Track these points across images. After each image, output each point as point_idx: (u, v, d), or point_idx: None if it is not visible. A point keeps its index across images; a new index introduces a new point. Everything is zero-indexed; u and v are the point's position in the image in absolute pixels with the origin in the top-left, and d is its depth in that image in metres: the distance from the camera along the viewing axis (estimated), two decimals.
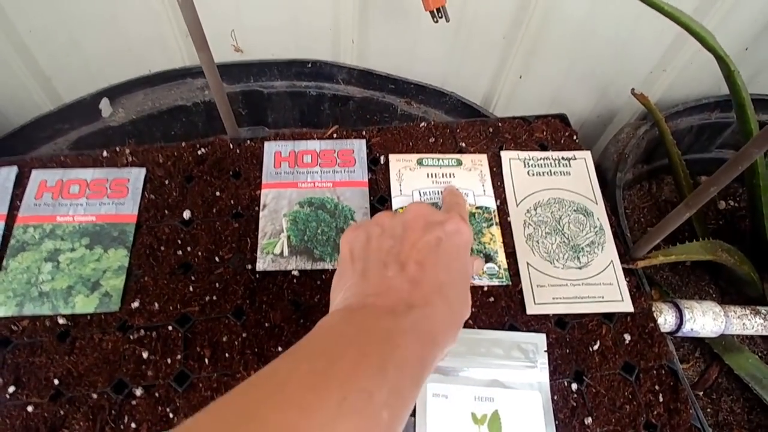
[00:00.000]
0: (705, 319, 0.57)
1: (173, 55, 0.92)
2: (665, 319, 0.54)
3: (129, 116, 0.89)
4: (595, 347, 0.49)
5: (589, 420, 0.45)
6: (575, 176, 0.58)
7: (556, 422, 0.44)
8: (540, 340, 0.48)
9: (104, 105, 0.87)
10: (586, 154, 0.59)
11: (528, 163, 0.58)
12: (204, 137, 0.96)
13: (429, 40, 0.88)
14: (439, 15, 0.70)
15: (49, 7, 0.76)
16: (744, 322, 0.60)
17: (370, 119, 0.97)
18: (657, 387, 0.47)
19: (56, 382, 0.44)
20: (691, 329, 0.57)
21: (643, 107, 0.92)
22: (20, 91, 0.95)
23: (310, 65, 0.92)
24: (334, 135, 0.59)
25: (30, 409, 0.43)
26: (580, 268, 0.52)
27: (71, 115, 0.85)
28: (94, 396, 0.44)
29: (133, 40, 0.85)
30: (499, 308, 0.50)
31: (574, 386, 0.47)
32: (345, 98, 0.95)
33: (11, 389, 0.44)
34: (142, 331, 0.47)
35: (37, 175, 0.53)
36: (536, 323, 0.49)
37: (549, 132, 0.62)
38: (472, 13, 0.79)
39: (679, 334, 0.57)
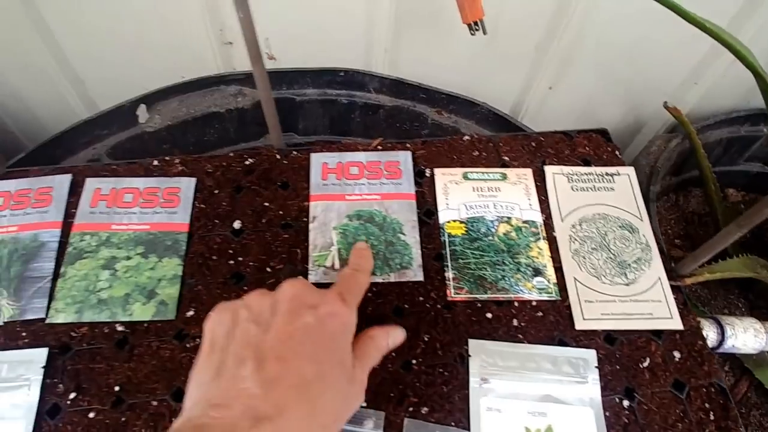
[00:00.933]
0: (746, 336, 0.57)
1: (207, 62, 0.93)
2: (707, 335, 0.54)
3: (164, 122, 0.90)
4: (645, 364, 0.49)
5: None
6: (619, 192, 0.58)
7: None
8: (590, 355, 0.48)
9: (141, 111, 0.89)
10: (630, 170, 0.59)
11: (572, 178, 0.59)
12: (235, 144, 0.97)
13: (460, 50, 0.89)
14: (476, 27, 0.70)
15: (87, 13, 0.77)
16: None
17: (399, 128, 0.97)
18: (707, 405, 0.48)
19: (117, 388, 0.45)
20: (733, 345, 0.57)
21: (671, 119, 0.92)
22: (55, 97, 0.96)
23: (342, 74, 0.93)
24: (379, 147, 0.60)
25: (91, 415, 0.44)
26: (627, 284, 0.52)
27: (110, 121, 0.86)
28: (154, 403, 0.44)
29: (167, 46, 0.86)
30: (548, 323, 0.50)
31: (626, 403, 0.47)
32: (375, 107, 0.96)
33: (72, 395, 0.44)
34: (198, 340, 0.47)
35: (91, 184, 0.54)
36: (585, 339, 0.50)
37: (591, 147, 0.62)
38: (505, 24, 0.80)
39: (720, 350, 0.57)
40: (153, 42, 0.84)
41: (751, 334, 0.57)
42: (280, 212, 0.54)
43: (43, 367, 0.45)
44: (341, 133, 1.00)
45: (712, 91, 0.97)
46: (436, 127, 0.94)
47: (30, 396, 0.44)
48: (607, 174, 0.59)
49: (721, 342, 0.56)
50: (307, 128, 1.00)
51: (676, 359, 0.49)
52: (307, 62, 0.94)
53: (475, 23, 0.69)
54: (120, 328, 0.47)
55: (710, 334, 0.55)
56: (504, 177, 0.58)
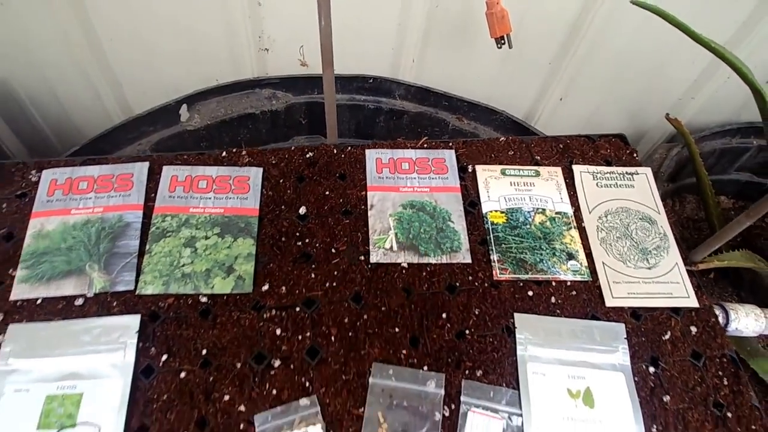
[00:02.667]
0: (748, 320, 0.64)
1: (244, 67, 0.99)
2: None
3: (204, 122, 0.95)
4: (666, 337, 0.56)
5: (666, 398, 0.52)
6: (638, 189, 0.65)
7: (639, 399, 0.51)
8: (620, 329, 0.55)
9: (183, 111, 0.94)
10: (647, 170, 0.67)
11: (596, 176, 0.66)
12: (266, 144, 1.02)
13: (481, 63, 0.96)
14: (503, 42, 0.77)
15: (130, 18, 0.82)
16: None
17: (421, 133, 1.04)
18: (721, 372, 0.54)
19: (204, 352, 0.50)
20: (736, 328, 0.64)
21: (671, 130, 1.01)
22: (92, 98, 1.01)
23: (371, 81, 0.99)
24: (425, 145, 0.66)
25: (182, 375, 0.49)
26: (649, 268, 0.59)
27: (154, 120, 0.91)
28: (238, 365, 0.49)
29: (205, 52, 0.91)
30: (581, 300, 0.57)
31: (651, 369, 0.53)
32: (400, 112, 1.02)
33: (164, 357, 0.49)
34: (274, 311, 0.53)
35: (167, 171, 0.59)
36: (614, 315, 0.56)
37: (612, 150, 0.69)
38: (523, 41, 0.87)
39: (726, 333, 0.64)
40: (191, 47, 0.89)
41: (752, 318, 0.64)
42: (340, 200, 0.60)
43: (137, 332, 0.50)
44: (366, 137, 1.07)
45: (708, 105, 1.07)
46: (456, 132, 1.01)
47: (126, 357, 0.48)
48: (627, 173, 0.67)
49: (726, 325, 0.63)
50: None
51: (693, 333, 0.56)
52: (338, 69, 1.00)
53: (502, 38, 0.76)
54: (203, 300, 0.52)
55: (718, 317, 0.62)
56: (537, 174, 0.65)
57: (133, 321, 0.50)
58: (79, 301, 0.51)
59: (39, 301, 0.51)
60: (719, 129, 1.08)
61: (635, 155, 0.69)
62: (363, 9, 0.83)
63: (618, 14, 0.82)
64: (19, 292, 0.51)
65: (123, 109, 1.08)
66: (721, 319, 0.63)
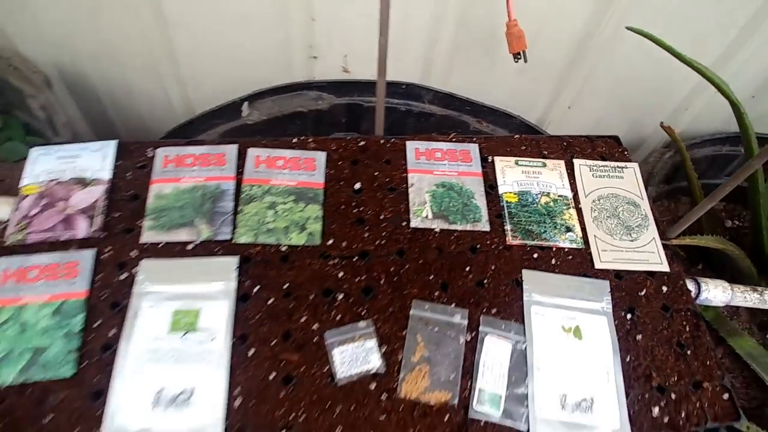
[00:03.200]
0: (716, 291, 0.79)
1: (295, 71, 1.15)
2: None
3: (261, 117, 1.12)
4: (642, 293, 0.71)
5: (639, 337, 0.67)
6: (627, 180, 0.81)
7: (618, 336, 0.66)
8: (605, 285, 0.70)
9: (244, 108, 1.11)
10: (635, 165, 0.82)
11: (593, 168, 0.81)
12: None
13: (500, 73, 1.12)
14: (519, 56, 0.93)
15: (200, 25, 0.98)
16: (745, 296, 0.82)
17: (445, 133, 1.20)
18: (685, 322, 0.69)
19: (285, 286, 0.66)
20: (706, 297, 0.78)
21: (667, 138, 1.16)
22: (161, 94, 1.18)
23: (404, 86, 1.15)
24: (454, 139, 0.82)
25: (270, 302, 0.65)
26: (631, 240, 0.74)
27: (221, 114, 1.08)
28: (311, 297, 0.66)
29: (263, 57, 1.08)
30: (575, 263, 0.72)
31: (629, 316, 0.69)
32: (428, 115, 1.18)
33: (256, 288, 0.66)
34: (336, 260, 0.69)
35: (252, 152, 0.76)
36: (601, 275, 0.71)
37: (607, 148, 0.85)
38: (537, 56, 1.03)
39: (698, 301, 0.79)
40: (250, 53, 1.06)
41: (720, 290, 0.79)
42: (387, 179, 0.76)
43: (236, 268, 0.66)
44: (398, 135, 1.22)
45: (700, 116, 1.21)
46: (476, 133, 1.16)
47: (229, 286, 0.65)
48: (618, 167, 0.82)
49: (698, 295, 0.78)
50: (369, 130, 1.22)
51: (664, 291, 0.71)
52: (374, 75, 1.16)
53: (519, 53, 0.92)
54: (283, 249, 0.69)
55: (691, 288, 0.77)
56: (544, 165, 0.81)
57: (233, 261, 0.67)
58: (190, 246, 0.68)
59: (161, 245, 0.68)
60: (710, 137, 1.22)
61: (626, 153, 0.85)
62: (401, 27, 0.99)
63: (619, 35, 0.98)
64: (146, 237, 0.68)
65: (185, 106, 1.26)
66: (693, 290, 0.77)
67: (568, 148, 0.84)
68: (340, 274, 0.67)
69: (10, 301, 0.61)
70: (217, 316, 0.62)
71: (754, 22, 0.96)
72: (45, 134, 1.09)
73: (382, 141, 0.81)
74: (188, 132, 1.03)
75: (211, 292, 0.64)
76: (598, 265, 0.72)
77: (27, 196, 0.68)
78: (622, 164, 0.82)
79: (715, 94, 1.12)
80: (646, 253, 0.73)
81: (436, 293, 0.67)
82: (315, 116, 1.16)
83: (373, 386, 0.60)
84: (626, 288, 0.71)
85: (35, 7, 0.95)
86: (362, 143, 0.80)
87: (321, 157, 0.77)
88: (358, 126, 1.23)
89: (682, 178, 1.25)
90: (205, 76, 1.17)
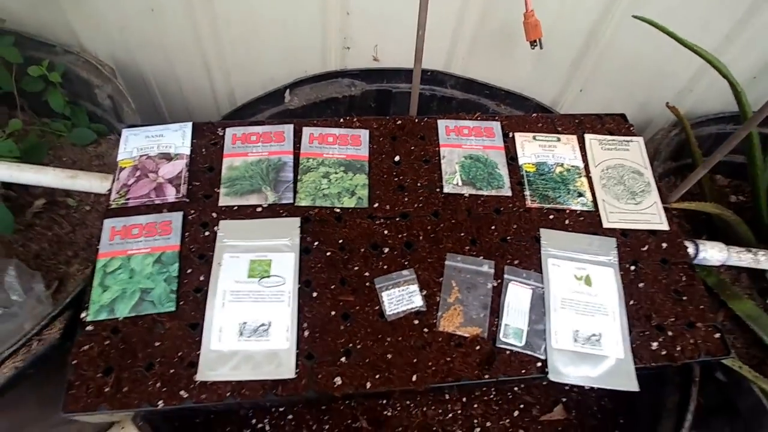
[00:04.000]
0: (713, 251, 0.90)
1: (329, 61, 1.27)
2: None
3: (301, 103, 1.24)
4: (644, 248, 0.82)
5: (641, 285, 0.79)
6: (632, 152, 0.92)
7: (623, 283, 0.78)
8: (612, 241, 0.82)
9: (287, 94, 1.23)
10: (640, 139, 0.93)
11: (602, 142, 0.93)
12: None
13: (518, 60, 1.22)
14: (535, 44, 1.04)
15: (246, 18, 1.10)
16: (740, 256, 0.92)
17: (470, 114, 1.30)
18: (681, 273, 0.81)
19: (340, 241, 0.79)
20: (704, 257, 0.89)
21: (673, 118, 1.25)
22: (205, 84, 1.31)
23: (429, 73, 1.26)
24: (479, 118, 0.94)
25: (328, 254, 0.78)
26: (636, 204, 0.86)
27: (267, 100, 1.20)
28: (362, 250, 0.78)
29: (299, 48, 1.19)
30: (586, 223, 0.84)
31: (632, 268, 0.80)
32: (450, 99, 1.29)
33: (316, 243, 0.79)
34: (382, 220, 0.81)
35: (306, 130, 0.89)
36: (609, 233, 0.83)
37: (614, 124, 0.96)
38: (551, 43, 1.13)
39: (696, 261, 0.90)
40: (290, 45, 1.17)
41: (716, 251, 0.90)
42: (422, 153, 0.89)
43: (299, 227, 0.79)
44: None
45: (704, 97, 1.31)
46: (495, 115, 1.26)
47: (293, 241, 0.78)
48: (624, 141, 0.93)
49: (696, 255, 0.89)
50: (396, 113, 1.33)
51: (664, 247, 0.83)
52: (405, 64, 1.28)
53: (535, 41, 1.03)
54: (337, 210, 0.81)
55: (690, 249, 0.88)
56: (558, 140, 0.92)
57: (296, 221, 0.79)
58: (259, 209, 0.81)
59: (235, 208, 0.81)
60: (714, 117, 1.31)
61: (631, 128, 0.96)
62: (428, 20, 1.10)
63: (627, 23, 1.08)
64: (223, 201, 0.81)
65: (228, 94, 1.39)
66: (691, 251, 0.88)
67: (580, 125, 0.95)
68: (385, 232, 0.80)
69: (120, 252, 0.74)
70: (286, 265, 0.75)
71: (756, 3, 1.05)
72: (109, 122, 1.22)
73: (416, 120, 0.92)
74: (239, 116, 1.16)
75: (279, 246, 0.77)
76: (606, 225, 0.84)
77: (124, 168, 0.82)
78: (628, 138, 0.93)
79: (717, 76, 1.22)
80: (648, 214, 0.85)
81: (467, 247, 0.80)
82: (348, 101, 1.28)
83: (416, 322, 0.73)
84: (630, 244, 0.82)
85: (96, 2, 1.07)
86: (399, 122, 0.92)
87: (365, 134, 0.89)
88: (387, 110, 1.35)
89: (688, 156, 1.35)
90: (247, 67, 1.29)
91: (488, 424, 0.92)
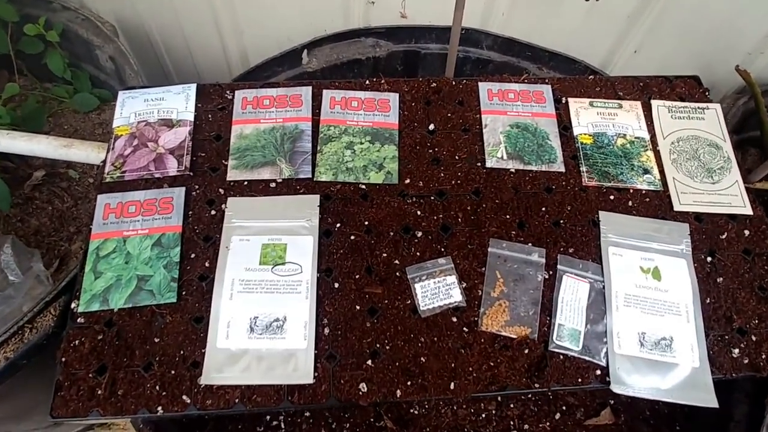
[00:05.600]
0: None
1: (352, 18, 1.14)
2: None
3: (320, 65, 1.12)
4: (723, 236, 0.70)
5: (720, 280, 0.66)
6: (708, 121, 0.78)
7: (697, 279, 0.66)
8: (685, 227, 0.69)
9: (304, 55, 1.11)
10: (717, 106, 0.79)
11: (671, 110, 0.79)
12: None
13: (565, 15, 1.08)
14: None
15: None
16: None
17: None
18: (767, 266, 0.68)
19: (366, 223, 0.68)
20: None
21: (736, 85, 1.10)
22: (216, 44, 1.19)
23: (462, 32, 1.12)
24: (526, 80, 0.81)
25: (352, 237, 0.67)
26: (713, 183, 0.73)
27: (282, 62, 1.08)
28: (391, 234, 0.67)
29: (318, 4, 1.06)
30: (653, 205, 0.71)
31: (709, 259, 0.68)
32: (486, 61, 1.15)
33: (338, 225, 0.68)
34: (414, 198, 0.70)
35: (327, 93, 0.77)
36: (680, 217, 0.71)
37: (686, 88, 0.82)
38: None
39: None
40: (308, 1, 1.04)
41: None
42: (460, 120, 0.76)
43: (318, 206, 0.68)
44: None
45: None
46: None
47: (312, 223, 0.67)
48: (699, 108, 0.79)
49: None
50: (425, 77, 1.21)
51: (746, 235, 0.70)
52: (437, 20, 1.14)
53: None
54: (362, 187, 0.70)
55: None
56: (620, 106, 0.79)
57: (315, 199, 0.69)
58: (273, 184, 0.70)
59: (245, 183, 0.70)
60: None
61: (707, 93, 0.81)
62: None
63: None
64: (232, 175, 0.70)
65: (241, 57, 1.27)
66: None
67: (645, 89, 0.81)
68: (418, 212, 0.69)
69: (115, 233, 0.65)
70: (303, 250, 0.65)
71: None
72: (111, 86, 1.12)
73: (453, 82, 0.80)
74: (252, 79, 1.04)
75: (296, 228, 0.66)
76: (677, 208, 0.71)
77: (120, 136, 0.72)
78: (704, 105, 0.79)
79: None
80: (728, 195, 0.72)
81: (513, 232, 0.68)
82: (372, 64, 1.15)
83: (454, 319, 0.63)
84: (706, 231, 0.70)
85: None
86: (434, 85, 0.79)
87: (394, 98, 0.77)
88: (415, 74, 1.22)
89: (752, 128, 1.20)
90: (261, 25, 1.17)
91: (526, 427, 0.82)
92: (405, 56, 1.17)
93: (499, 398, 0.84)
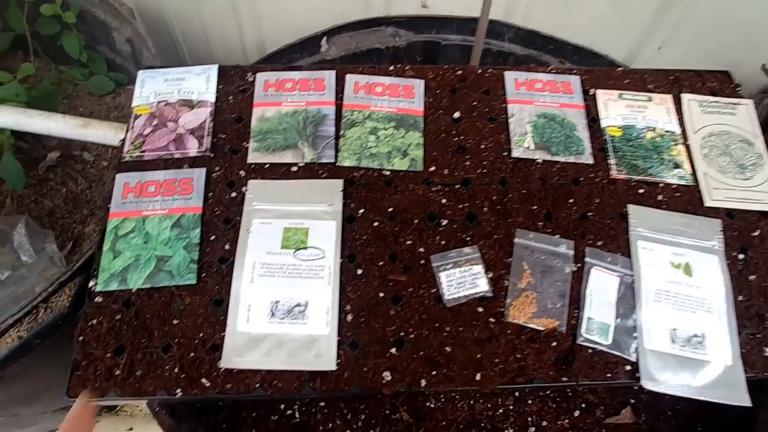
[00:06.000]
0: None
1: (372, 8, 1.12)
2: None
3: (339, 53, 1.10)
4: (756, 233, 0.68)
5: (752, 277, 0.65)
6: (740, 117, 0.76)
7: (731, 274, 0.64)
8: (716, 223, 0.67)
9: (323, 42, 1.09)
10: (749, 102, 0.77)
11: (702, 104, 0.77)
12: None
13: (588, 8, 1.05)
14: None
15: None
16: None
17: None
18: None
19: (390, 210, 0.66)
20: None
21: (762, 83, 1.08)
22: (233, 29, 1.17)
23: None
24: (554, 70, 0.79)
25: (375, 224, 0.66)
26: (745, 179, 0.71)
27: (301, 48, 1.06)
28: (416, 221, 0.66)
29: None
30: (683, 200, 0.69)
31: (741, 256, 0.66)
32: (507, 54, 1.14)
33: (361, 211, 0.66)
34: (439, 186, 0.68)
35: (350, 78, 0.75)
36: (712, 213, 0.69)
37: (717, 83, 0.80)
38: None
39: None
40: None
41: None
42: (486, 109, 0.75)
43: (341, 191, 0.67)
44: None
45: None
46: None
47: (335, 208, 0.66)
48: (730, 103, 0.77)
49: None
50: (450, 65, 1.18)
51: None
52: (458, 11, 1.12)
53: None
54: (386, 173, 0.69)
55: None
56: (650, 99, 0.77)
57: (338, 184, 0.67)
58: (294, 168, 0.69)
59: (267, 166, 0.69)
60: None
61: (738, 89, 0.80)
62: None
63: None
64: (253, 157, 0.69)
65: (258, 43, 1.26)
66: None
67: (676, 83, 0.79)
68: (443, 201, 0.67)
69: (134, 213, 0.63)
70: (326, 235, 0.64)
71: None
72: (127, 70, 1.11)
73: (479, 71, 0.78)
74: (269, 65, 1.03)
75: (318, 212, 0.65)
76: (707, 203, 0.69)
77: (139, 116, 0.70)
78: (735, 101, 0.78)
79: None
80: (761, 192, 0.70)
81: (540, 224, 0.67)
82: (392, 53, 1.14)
83: (480, 309, 0.61)
84: (738, 227, 0.68)
85: None
86: (460, 72, 0.78)
87: (419, 84, 0.75)
88: (434, 65, 1.20)
89: None
90: (280, 11, 1.15)
91: (544, 423, 0.81)
92: (425, 47, 1.16)
93: (517, 393, 0.82)
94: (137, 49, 1.02)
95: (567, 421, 0.81)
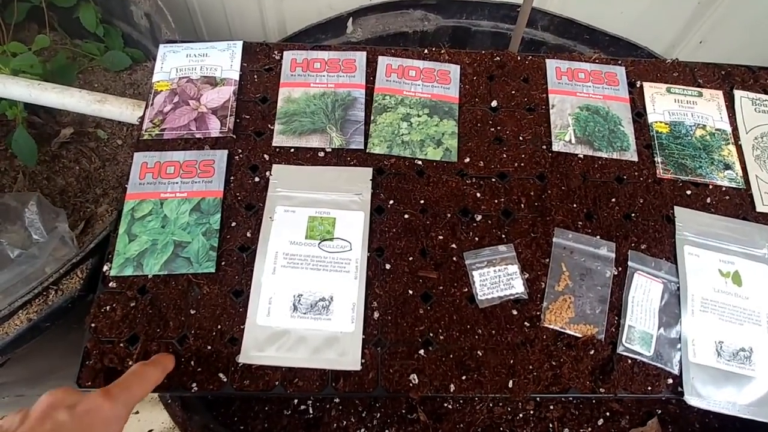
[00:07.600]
0: None
1: None
2: None
3: (365, 35, 1.06)
4: None
5: None
6: None
7: None
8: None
9: (349, 23, 1.04)
10: None
11: (755, 102, 0.72)
12: None
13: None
14: None
15: None
16: None
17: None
18: None
19: (422, 202, 0.63)
20: None
21: None
22: (254, 8, 1.12)
23: (518, 9, 1.05)
24: (597, 60, 0.74)
25: (405, 216, 0.62)
26: None
27: (326, 29, 1.02)
28: (449, 215, 0.62)
29: None
30: (734, 204, 0.65)
31: None
32: (539, 43, 1.08)
33: (391, 202, 0.62)
34: (474, 179, 0.64)
35: (383, 60, 0.71)
36: (763, 219, 0.64)
37: None
38: None
39: None
40: None
41: None
42: (525, 99, 0.70)
43: (371, 180, 0.63)
44: None
45: None
46: None
47: (364, 197, 0.62)
48: None
49: None
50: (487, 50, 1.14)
51: None
52: None
53: None
54: (418, 163, 0.65)
55: None
56: (700, 94, 0.72)
57: (367, 172, 0.63)
58: (321, 153, 0.65)
59: (292, 150, 0.65)
60: None
61: None
62: None
63: None
64: (278, 141, 0.65)
65: (279, 22, 1.21)
66: None
67: (728, 78, 0.74)
68: (478, 194, 0.63)
69: (152, 194, 0.60)
70: (353, 226, 0.60)
71: None
72: (146, 47, 1.07)
73: (519, 57, 0.73)
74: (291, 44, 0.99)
75: (346, 202, 0.61)
76: (759, 209, 0.65)
77: (159, 92, 0.66)
78: None
79: None
80: None
81: (580, 223, 0.62)
82: (419, 38, 1.09)
83: (514, 312, 0.57)
84: None
85: None
86: (498, 58, 0.73)
87: (455, 70, 0.71)
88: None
89: None
90: None
91: (566, 430, 0.77)
92: (454, 32, 1.11)
93: (538, 398, 0.79)
94: (155, 24, 0.98)
95: (590, 429, 0.77)
